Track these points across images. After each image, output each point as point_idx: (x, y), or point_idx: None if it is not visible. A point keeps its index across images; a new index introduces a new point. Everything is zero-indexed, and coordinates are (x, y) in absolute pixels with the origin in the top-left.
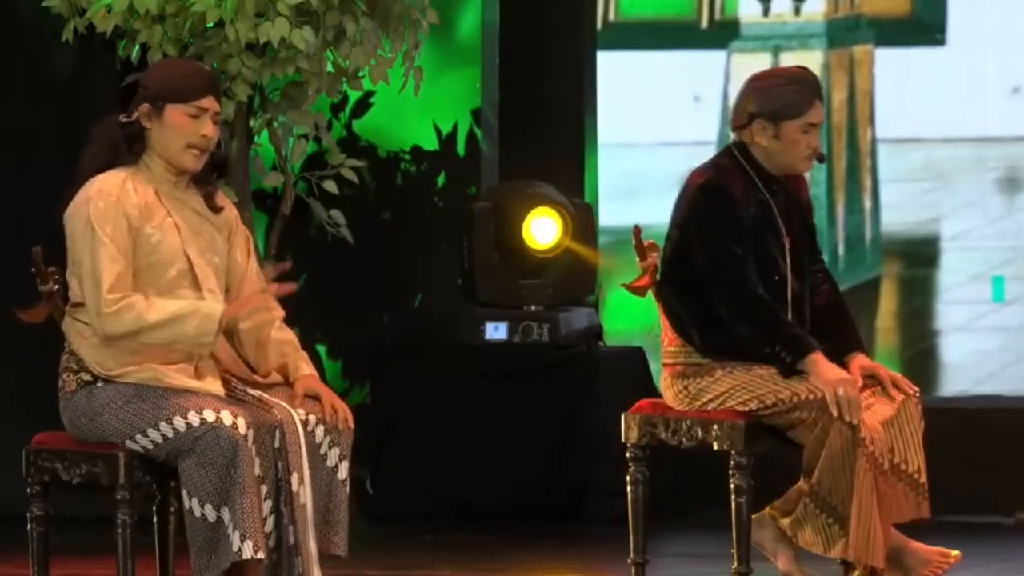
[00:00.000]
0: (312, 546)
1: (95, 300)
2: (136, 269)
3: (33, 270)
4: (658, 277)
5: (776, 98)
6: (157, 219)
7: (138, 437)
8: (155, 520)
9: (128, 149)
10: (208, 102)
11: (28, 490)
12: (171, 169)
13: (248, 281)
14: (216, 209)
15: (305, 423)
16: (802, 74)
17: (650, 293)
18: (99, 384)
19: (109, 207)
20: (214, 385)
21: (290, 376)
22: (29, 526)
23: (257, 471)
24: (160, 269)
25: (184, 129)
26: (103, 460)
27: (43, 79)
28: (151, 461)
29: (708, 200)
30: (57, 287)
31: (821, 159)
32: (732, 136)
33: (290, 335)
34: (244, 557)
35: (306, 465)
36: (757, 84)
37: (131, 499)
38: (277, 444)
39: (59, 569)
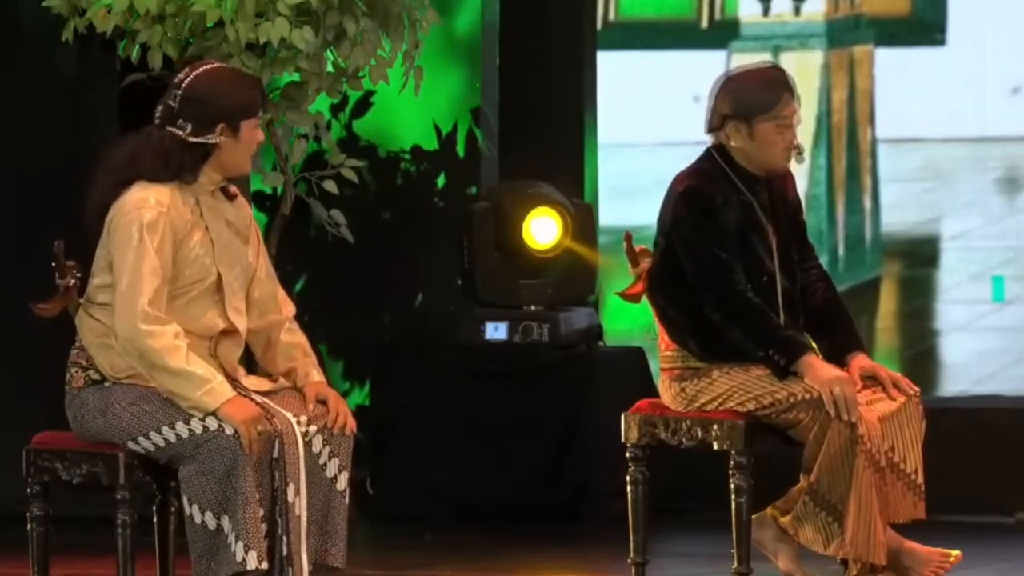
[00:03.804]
0: (304, 558)
1: (130, 308)
2: (170, 282)
3: (53, 264)
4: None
5: (747, 98)
6: (197, 235)
7: (140, 439)
8: (155, 520)
9: (193, 175)
10: (261, 111)
11: (28, 490)
12: (215, 179)
13: (257, 282)
14: (230, 196)
15: (304, 434)
16: (773, 72)
17: (644, 299)
18: (107, 383)
19: (160, 218)
20: None
21: (298, 382)
22: (29, 526)
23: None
24: (191, 283)
25: (254, 141)
26: (103, 460)
27: (43, 79)
28: (152, 461)
29: (689, 208)
30: (74, 282)
31: (800, 153)
32: (709, 138)
33: (300, 338)
34: (249, 568)
35: (303, 477)
36: (728, 85)
37: (131, 499)
38: (276, 454)
39: (59, 569)
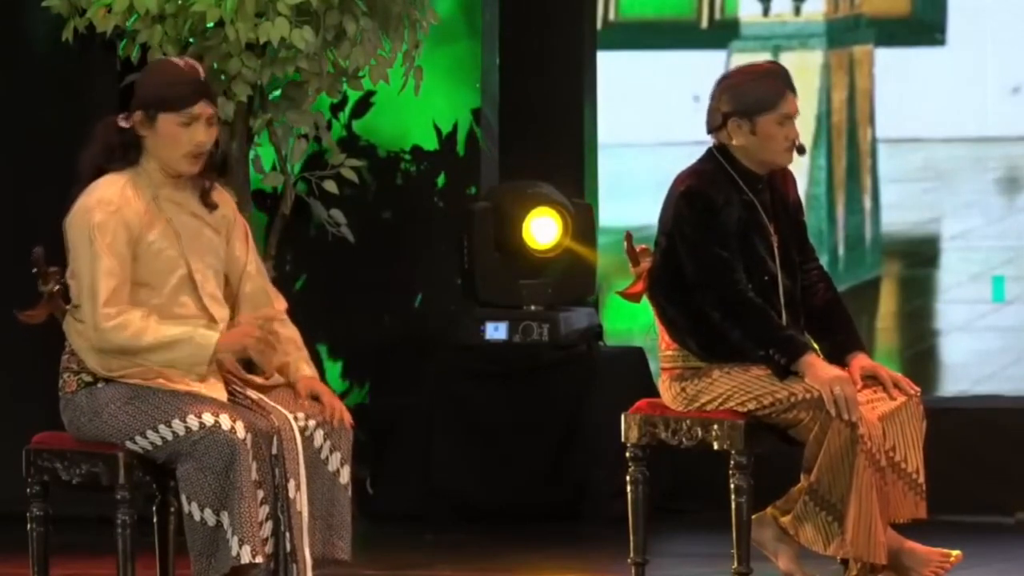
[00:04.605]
0: (307, 553)
1: (91, 313)
2: (137, 278)
3: (34, 270)
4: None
5: (748, 94)
6: (158, 227)
7: (137, 438)
8: (155, 520)
9: (123, 155)
10: (199, 108)
11: (28, 490)
12: (169, 172)
13: (247, 276)
14: (211, 206)
15: (304, 429)
16: (772, 68)
17: (645, 298)
18: (100, 384)
19: (109, 217)
20: (216, 388)
21: (290, 377)
22: (29, 526)
23: (254, 476)
24: (161, 277)
25: (177, 138)
26: (103, 460)
27: (43, 79)
28: (151, 461)
29: (691, 207)
30: (58, 287)
31: (801, 151)
32: (711, 139)
33: (293, 332)
34: (242, 562)
35: (303, 472)
36: (728, 83)
37: (131, 499)
38: (274, 451)
39: (59, 569)
